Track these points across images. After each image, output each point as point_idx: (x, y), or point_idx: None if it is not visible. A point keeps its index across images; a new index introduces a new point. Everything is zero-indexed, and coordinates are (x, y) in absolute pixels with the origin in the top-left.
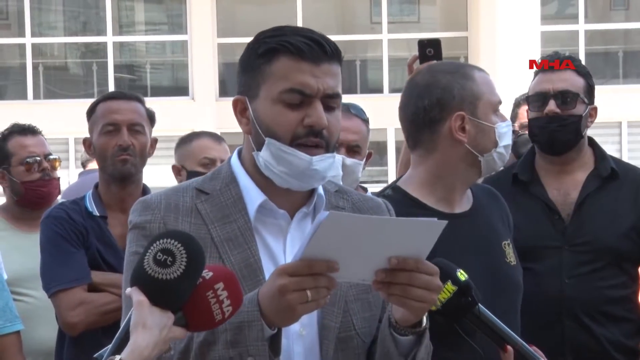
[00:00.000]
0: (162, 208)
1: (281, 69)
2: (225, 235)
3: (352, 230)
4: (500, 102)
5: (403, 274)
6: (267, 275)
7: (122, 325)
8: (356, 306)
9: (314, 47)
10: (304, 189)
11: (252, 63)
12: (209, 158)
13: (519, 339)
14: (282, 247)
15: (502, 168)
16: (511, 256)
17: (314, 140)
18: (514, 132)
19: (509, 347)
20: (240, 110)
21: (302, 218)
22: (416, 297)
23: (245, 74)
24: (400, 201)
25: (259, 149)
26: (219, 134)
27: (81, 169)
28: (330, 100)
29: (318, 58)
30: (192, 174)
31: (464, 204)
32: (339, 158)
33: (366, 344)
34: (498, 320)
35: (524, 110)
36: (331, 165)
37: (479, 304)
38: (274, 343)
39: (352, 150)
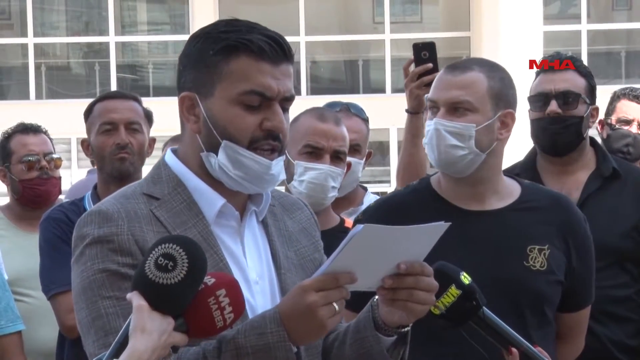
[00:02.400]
0: (124, 218)
1: (241, 68)
2: None
3: (375, 242)
4: (448, 101)
5: (409, 278)
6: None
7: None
8: None
9: (274, 47)
10: (257, 192)
11: (206, 59)
12: None
13: (524, 340)
14: (241, 249)
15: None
16: (537, 262)
17: (272, 143)
18: (609, 125)
19: (514, 349)
20: (187, 108)
21: (250, 216)
22: (420, 300)
23: (196, 70)
24: (420, 191)
25: (211, 150)
26: None
27: (83, 169)
28: (286, 103)
29: (278, 58)
30: None
31: (493, 201)
32: None
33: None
34: (502, 323)
35: (622, 104)
36: (282, 168)
37: (484, 307)
38: None
39: (352, 149)
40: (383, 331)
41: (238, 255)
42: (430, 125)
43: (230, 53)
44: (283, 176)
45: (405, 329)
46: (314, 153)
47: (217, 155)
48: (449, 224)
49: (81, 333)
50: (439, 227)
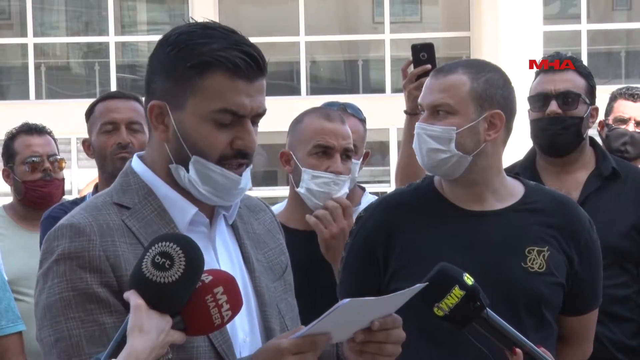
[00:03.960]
0: (96, 232)
1: (215, 86)
2: None
3: (357, 310)
4: (429, 104)
5: (381, 333)
6: None
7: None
8: (284, 307)
9: (250, 64)
10: (224, 205)
11: (179, 71)
12: None
13: (527, 341)
14: (213, 255)
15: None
16: (536, 263)
17: (241, 161)
18: (607, 125)
19: (518, 350)
20: (156, 115)
21: (220, 221)
22: (387, 352)
23: (168, 80)
24: (422, 190)
25: (180, 163)
26: None
27: (83, 169)
28: (257, 118)
29: (253, 75)
30: None
31: (494, 202)
32: None
33: None
34: (506, 323)
35: (618, 104)
36: (249, 178)
37: (487, 308)
38: None
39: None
40: None
41: (210, 261)
42: (415, 129)
43: (205, 69)
44: (249, 185)
45: None
46: (325, 152)
47: (186, 169)
48: (425, 284)
49: (42, 352)
50: (415, 289)
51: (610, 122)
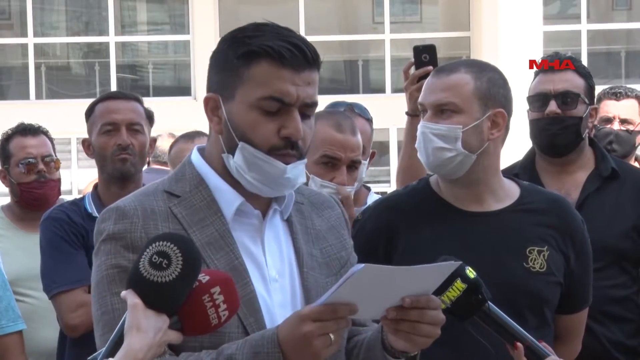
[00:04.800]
0: (140, 215)
1: (261, 74)
2: (205, 239)
3: (377, 279)
4: (433, 103)
5: (414, 311)
6: (252, 277)
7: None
8: None
9: (295, 53)
10: (274, 195)
11: (229, 63)
12: None
13: (529, 335)
14: (260, 248)
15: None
16: (537, 263)
17: (290, 152)
18: (594, 127)
19: (519, 344)
20: (211, 109)
21: (273, 215)
22: (423, 333)
23: (220, 72)
24: (419, 192)
25: (230, 152)
26: None
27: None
28: (306, 109)
29: (299, 65)
30: None
31: (492, 203)
32: None
33: (344, 339)
34: (507, 318)
35: (603, 104)
36: (302, 172)
37: (489, 302)
38: None
39: None
40: (391, 353)
41: (256, 253)
42: (419, 129)
43: (252, 58)
44: (303, 179)
45: (414, 354)
46: (330, 164)
47: (234, 156)
48: (459, 263)
49: (94, 325)
50: (449, 266)
51: (597, 123)
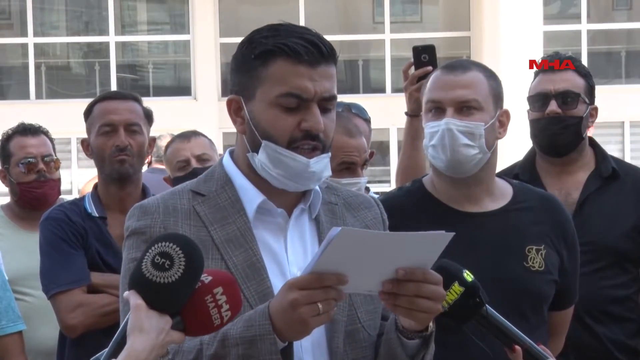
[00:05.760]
0: (160, 212)
1: (278, 72)
2: (226, 236)
3: (361, 245)
4: (455, 100)
5: (410, 284)
6: (270, 274)
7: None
8: (359, 299)
9: (310, 49)
10: (300, 190)
11: (248, 64)
12: (182, 160)
13: (527, 338)
14: (283, 246)
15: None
16: (536, 262)
17: (311, 143)
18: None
19: (517, 347)
20: (234, 110)
21: (299, 215)
22: (422, 307)
23: (240, 74)
24: (414, 193)
25: (255, 150)
26: (222, 134)
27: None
28: (326, 103)
29: (315, 60)
30: (177, 181)
31: (488, 203)
32: None
33: (372, 337)
34: (506, 321)
35: None
36: (326, 166)
37: (486, 305)
38: (286, 356)
39: None
40: (404, 334)
41: (278, 252)
42: (438, 125)
43: (268, 58)
44: (328, 173)
45: (426, 333)
46: (349, 169)
47: (258, 154)
48: (452, 234)
49: (120, 317)
50: (440, 237)
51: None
